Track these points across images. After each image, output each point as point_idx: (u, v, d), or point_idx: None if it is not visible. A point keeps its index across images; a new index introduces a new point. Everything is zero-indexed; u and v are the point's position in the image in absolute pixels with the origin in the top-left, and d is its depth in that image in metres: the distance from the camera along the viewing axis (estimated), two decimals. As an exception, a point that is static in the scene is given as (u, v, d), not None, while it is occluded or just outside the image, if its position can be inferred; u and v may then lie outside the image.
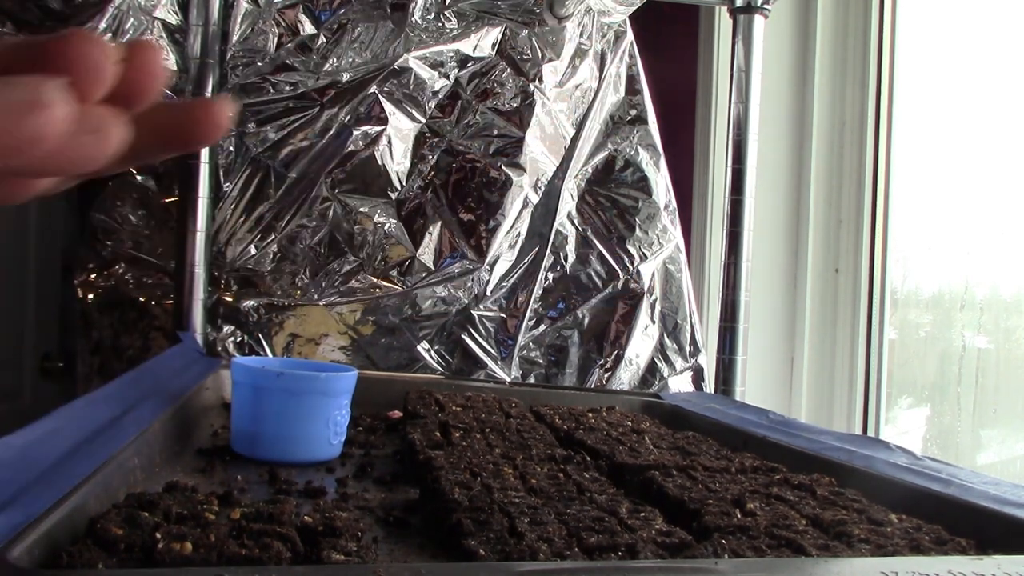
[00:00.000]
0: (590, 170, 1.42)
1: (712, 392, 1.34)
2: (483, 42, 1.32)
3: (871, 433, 1.53)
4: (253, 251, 1.28)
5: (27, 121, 0.29)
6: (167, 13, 1.20)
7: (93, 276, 1.30)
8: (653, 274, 1.42)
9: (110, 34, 1.16)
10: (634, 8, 1.37)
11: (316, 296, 1.30)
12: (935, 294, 1.58)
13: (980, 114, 1.51)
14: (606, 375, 1.38)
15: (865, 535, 0.52)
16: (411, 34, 1.28)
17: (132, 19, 1.17)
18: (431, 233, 1.32)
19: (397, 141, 1.30)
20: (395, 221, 1.31)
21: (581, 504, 0.56)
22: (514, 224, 1.35)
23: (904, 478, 0.66)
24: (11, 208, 1.70)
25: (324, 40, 1.26)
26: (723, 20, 1.56)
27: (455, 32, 1.30)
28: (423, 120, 1.32)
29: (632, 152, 1.43)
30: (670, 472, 0.67)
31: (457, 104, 1.33)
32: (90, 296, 1.29)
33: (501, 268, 1.36)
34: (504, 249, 1.35)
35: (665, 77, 1.52)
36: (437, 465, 0.63)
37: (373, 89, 1.27)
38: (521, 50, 1.33)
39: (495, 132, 1.34)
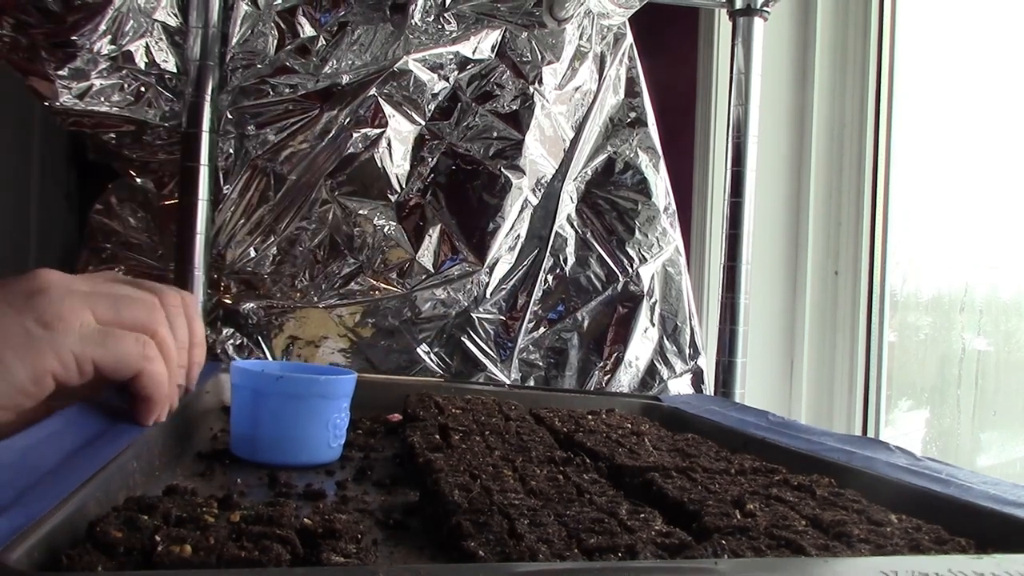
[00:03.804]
0: (590, 172, 1.42)
1: (712, 394, 1.34)
2: (483, 44, 1.32)
3: (871, 435, 1.53)
4: (253, 253, 1.28)
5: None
6: (167, 15, 1.21)
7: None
8: (653, 276, 1.42)
9: (110, 36, 1.16)
10: (634, 10, 1.37)
11: (316, 298, 1.30)
12: (935, 296, 1.58)
13: (980, 115, 1.51)
14: (606, 377, 1.38)
15: (865, 535, 0.52)
16: (411, 36, 1.28)
17: (132, 21, 1.17)
18: (431, 235, 1.32)
19: (397, 143, 1.30)
20: (395, 223, 1.31)
21: (581, 506, 0.56)
22: (513, 226, 1.35)
23: (904, 478, 0.66)
24: (11, 208, 1.70)
25: (323, 42, 1.26)
26: (723, 22, 1.56)
27: (455, 34, 1.30)
28: (423, 122, 1.32)
29: (632, 154, 1.43)
30: (670, 474, 0.67)
31: (457, 106, 1.33)
32: (90, 299, 1.29)
33: (501, 270, 1.36)
34: (504, 251, 1.35)
35: (665, 79, 1.52)
36: (437, 467, 0.63)
37: (373, 91, 1.27)
38: (521, 52, 1.34)
39: (495, 134, 1.34)
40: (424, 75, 1.29)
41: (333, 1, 1.26)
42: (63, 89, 1.15)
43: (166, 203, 1.30)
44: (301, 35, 1.25)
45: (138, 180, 1.32)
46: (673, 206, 1.44)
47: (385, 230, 1.31)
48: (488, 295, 1.35)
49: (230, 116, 1.25)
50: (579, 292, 1.40)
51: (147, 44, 1.20)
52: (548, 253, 1.38)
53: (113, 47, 1.17)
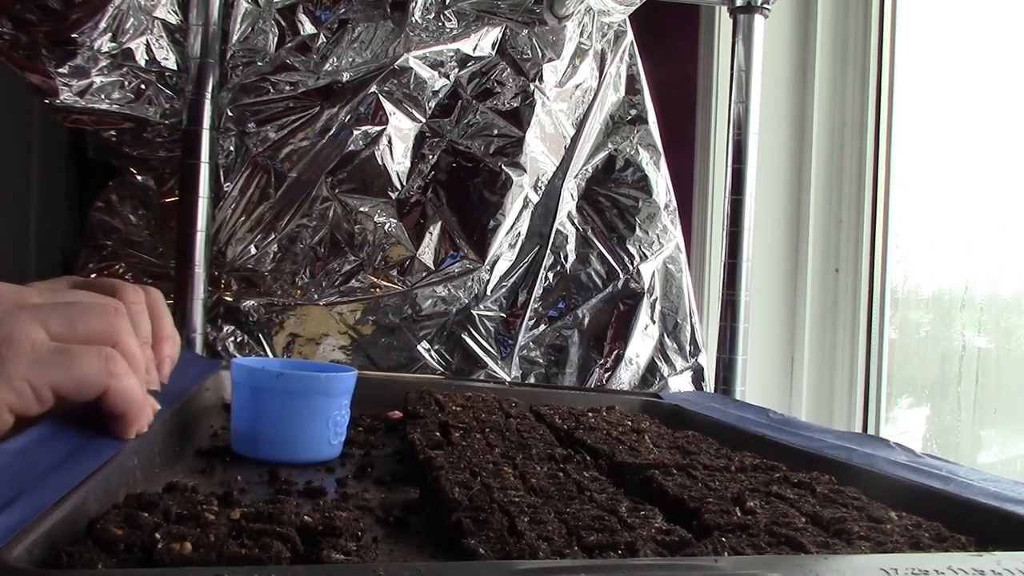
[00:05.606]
0: (590, 170, 1.42)
1: (712, 392, 1.34)
2: (483, 42, 1.32)
3: (871, 433, 1.53)
4: (253, 251, 1.28)
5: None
6: (167, 13, 1.20)
7: (93, 276, 1.30)
8: (653, 274, 1.42)
9: (110, 33, 1.16)
10: (634, 8, 1.37)
11: (316, 296, 1.30)
12: (935, 294, 1.58)
13: (980, 113, 1.51)
14: (606, 375, 1.38)
15: (865, 532, 0.52)
16: (411, 34, 1.28)
17: (132, 19, 1.17)
18: (431, 233, 1.32)
19: (397, 141, 1.30)
20: (395, 221, 1.31)
21: (581, 503, 0.56)
22: (514, 224, 1.35)
23: (904, 476, 0.66)
24: (11, 208, 1.70)
25: (324, 40, 1.26)
26: (723, 20, 1.56)
27: (455, 32, 1.30)
28: (423, 120, 1.32)
29: (632, 152, 1.43)
30: (670, 471, 0.67)
31: (457, 104, 1.33)
32: (90, 296, 1.29)
33: (501, 268, 1.36)
34: (504, 249, 1.35)
35: (665, 77, 1.52)
36: (437, 465, 0.63)
37: (373, 89, 1.27)
38: (521, 50, 1.33)
39: (495, 132, 1.34)
40: (425, 72, 1.29)
41: (333, -2, 1.26)
42: (63, 87, 1.15)
43: (166, 200, 1.30)
44: (302, 32, 1.25)
45: (138, 177, 1.32)
46: (674, 203, 1.44)
47: (386, 227, 1.31)
48: (489, 292, 1.35)
49: (230, 113, 1.25)
50: (580, 289, 1.40)
51: (147, 41, 1.20)
52: (549, 250, 1.38)
53: (113, 44, 1.17)
